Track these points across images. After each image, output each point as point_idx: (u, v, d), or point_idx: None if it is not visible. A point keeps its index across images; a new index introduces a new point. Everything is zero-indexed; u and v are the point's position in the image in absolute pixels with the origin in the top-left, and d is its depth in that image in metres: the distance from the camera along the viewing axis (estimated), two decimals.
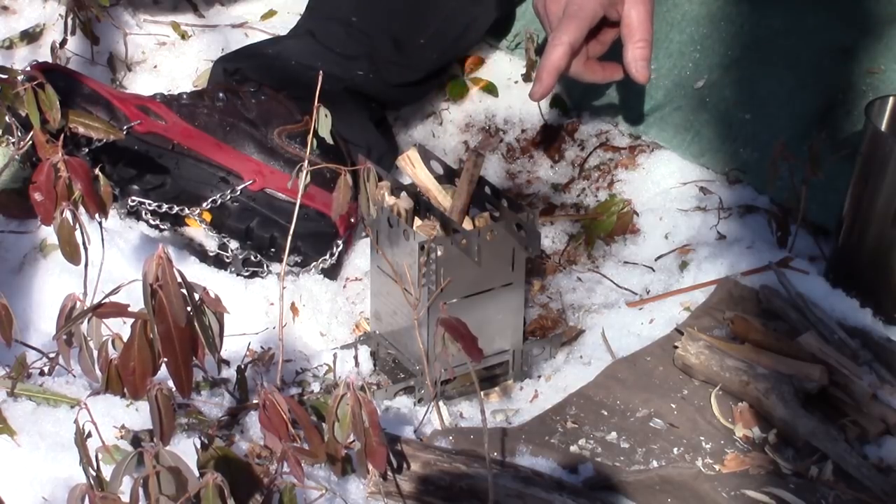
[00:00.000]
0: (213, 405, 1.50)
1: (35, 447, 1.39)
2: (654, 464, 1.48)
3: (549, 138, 2.08)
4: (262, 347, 1.61)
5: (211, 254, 1.81)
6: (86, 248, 1.41)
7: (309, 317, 1.76)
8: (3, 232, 1.74)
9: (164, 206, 1.78)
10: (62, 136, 1.53)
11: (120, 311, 1.17)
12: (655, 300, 1.75)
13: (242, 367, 1.53)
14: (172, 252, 1.69)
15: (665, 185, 1.97)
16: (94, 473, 1.18)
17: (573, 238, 1.94)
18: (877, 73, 1.89)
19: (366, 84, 1.95)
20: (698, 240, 1.86)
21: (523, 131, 2.10)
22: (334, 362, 1.62)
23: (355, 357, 1.68)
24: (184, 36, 2.16)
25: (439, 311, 1.30)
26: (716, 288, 1.72)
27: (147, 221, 1.79)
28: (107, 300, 1.18)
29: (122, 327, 1.22)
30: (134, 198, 1.78)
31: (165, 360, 1.15)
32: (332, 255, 1.81)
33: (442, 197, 1.67)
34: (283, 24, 2.16)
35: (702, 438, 1.52)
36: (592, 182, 2.01)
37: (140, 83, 2.10)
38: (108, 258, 1.58)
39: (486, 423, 1.34)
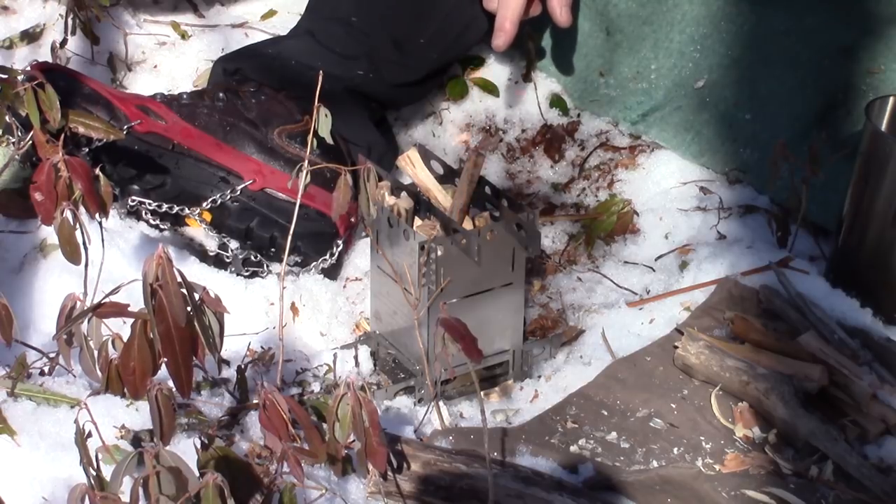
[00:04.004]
0: (213, 405, 1.50)
1: (35, 447, 1.38)
2: (654, 464, 1.48)
3: (549, 138, 2.08)
4: (262, 347, 1.61)
5: (211, 254, 1.81)
6: (86, 248, 1.41)
7: (309, 317, 1.76)
8: (3, 232, 1.74)
9: (164, 206, 1.78)
10: (62, 136, 1.53)
11: (120, 310, 1.17)
12: (655, 300, 1.75)
13: (242, 367, 1.53)
14: (172, 252, 1.69)
15: (665, 185, 1.97)
16: (94, 473, 1.18)
17: (573, 238, 1.94)
18: (877, 73, 1.89)
19: (366, 84, 1.94)
20: (698, 240, 1.86)
21: (523, 131, 2.10)
22: (334, 362, 1.62)
23: (355, 357, 1.68)
24: (184, 36, 2.16)
25: (439, 311, 1.30)
26: (716, 288, 1.72)
27: (147, 221, 1.79)
28: (107, 300, 1.18)
29: (122, 327, 1.22)
30: (134, 198, 1.78)
31: (165, 359, 1.16)
32: (332, 255, 1.81)
33: (442, 197, 1.67)
34: (283, 24, 2.16)
35: (702, 438, 1.52)
36: (592, 182, 2.01)
37: (140, 83, 2.10)
38: (108, 258, 1.58)
39: (486, 423, 1.34)
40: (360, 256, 1.85)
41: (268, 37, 2.11)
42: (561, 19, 1.91)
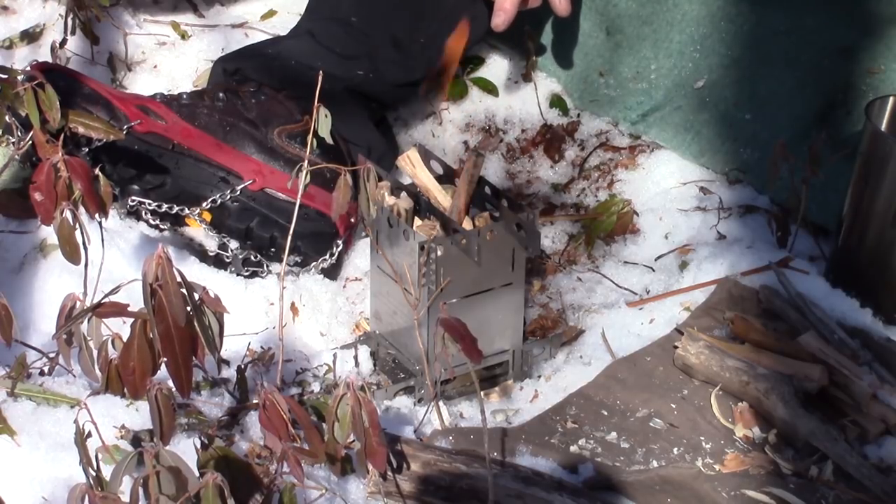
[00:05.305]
0: (213, 405, 1.50)
1: (35, 447, 1.39)
2: (654, 464, 1.48)
3: (549, 138, 2.08)
4: (262, 347, 1.61)
5: (211, 254, 1.81)
6: (86, 248, 1.41)
7: (309, 317, 1.76)
8: (3, 232, 1.74)
9: (164, 206, 1.78)
10: (62, 136, 1.53)
11: (120, 310, 1.17)
12: (655, 300, 1.75)
13: (242, 367, 1.53)
14: (172, 252, 1.70)
15: (665, 185, 1.97)
16: (94, 473, 1.18)
17: (573, 238, 1.94)
18: (877, 73, 1.89)
19: (366, 84, 1.95)
20: (698, 240, 1.86)
21: (523, 131, 2.10)
22: (334, 362, 1.62)
23: (355, 357, 1.68)
24: (184, 36, 2.17)
25: (439, 311, 1.30)
26: (716, 288, 1.72)
27: (147, 221, 1.79)
28: (106, 300, 1.18)
29: (122, 327, 1.22)
30: (134, 198, 1.78)
31: (165, 359, 1.16)
32: (332, 255, 1.81)
33: (442, 197, 1.67)
34: (283, 24, 2.16)
35: (702, 438, 1.52)
36: (592, 182, 2.01)
37: (140, 83, 2.10)
38: (108, 258, 1.58)
39: (486, 423, 1.34)
40: (360, 256, 1.85)
41: (268, 37, 2.11)
42: (560, 8, 1.90)
